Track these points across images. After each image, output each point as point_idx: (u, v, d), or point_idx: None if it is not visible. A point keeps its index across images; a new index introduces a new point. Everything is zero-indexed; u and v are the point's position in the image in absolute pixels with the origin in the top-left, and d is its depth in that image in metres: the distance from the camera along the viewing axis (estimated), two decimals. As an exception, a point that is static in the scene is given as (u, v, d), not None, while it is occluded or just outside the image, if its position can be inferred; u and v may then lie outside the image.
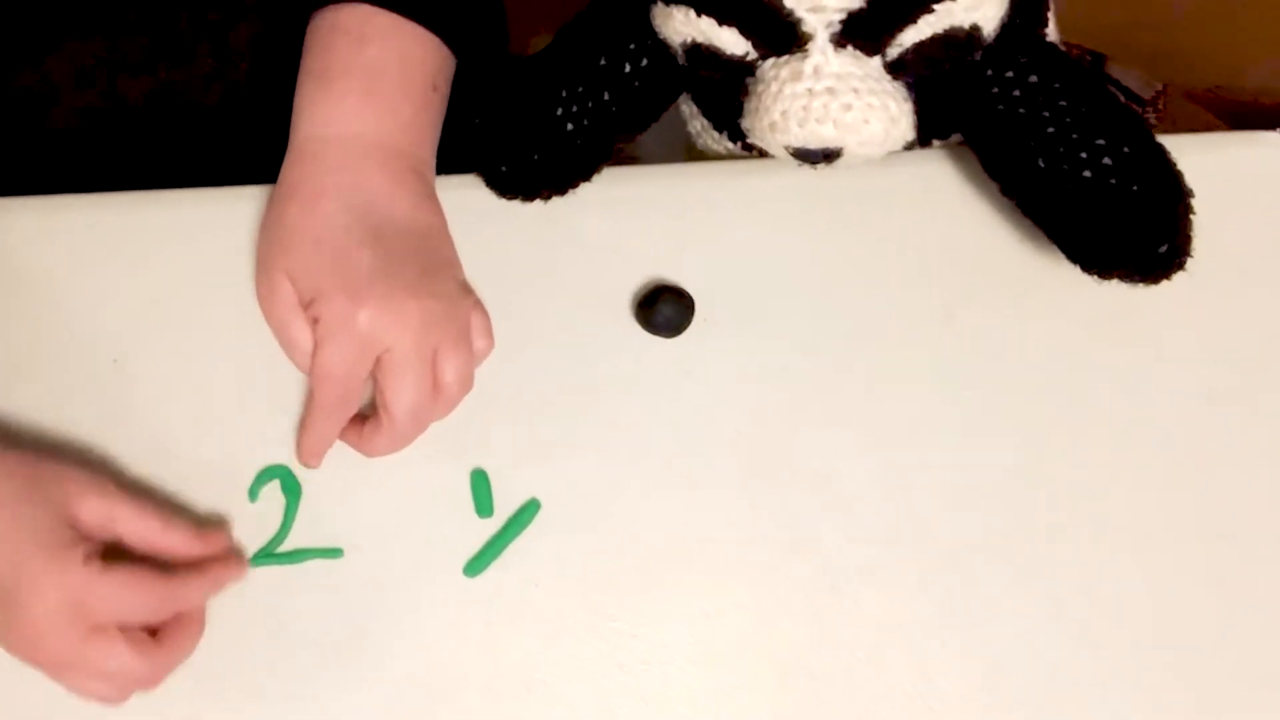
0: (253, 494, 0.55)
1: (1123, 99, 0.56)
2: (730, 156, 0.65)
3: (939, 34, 0.53)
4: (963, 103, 0.57)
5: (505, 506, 0.55)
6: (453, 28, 0.56)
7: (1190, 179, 0.54)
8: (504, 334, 0.55)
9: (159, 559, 0.51)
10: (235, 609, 0.53)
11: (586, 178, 0.60)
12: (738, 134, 0.61)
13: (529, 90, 0.58)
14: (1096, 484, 0.55)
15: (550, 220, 0.60)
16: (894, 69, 0.54)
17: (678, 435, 0.56)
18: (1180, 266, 0.53)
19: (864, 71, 0.53)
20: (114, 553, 0.50)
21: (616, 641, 0.53)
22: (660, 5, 0.56)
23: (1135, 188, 0.53)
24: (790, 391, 0.57)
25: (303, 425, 0.54)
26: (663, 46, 0.58)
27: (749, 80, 0.56)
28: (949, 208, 0.60)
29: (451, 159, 0.58)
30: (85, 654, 0.48)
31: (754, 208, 0.60)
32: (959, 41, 0.54)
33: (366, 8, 0.54)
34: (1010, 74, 0.56)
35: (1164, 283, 0.54)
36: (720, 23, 0.54)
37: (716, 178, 0.62)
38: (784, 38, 0.53)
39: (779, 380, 0.57)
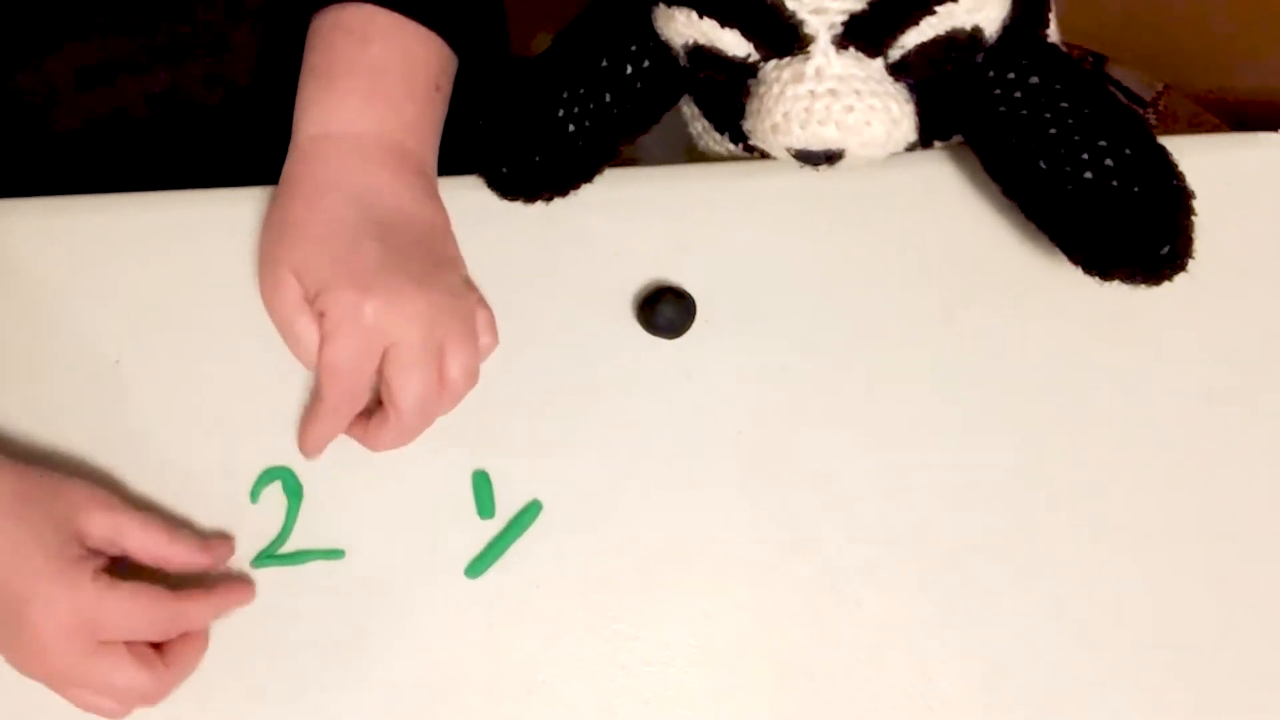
0: (254, 495, 0.55)
1: (1124, 100, 0.57)
2: (731, 158, 0.65)
3: (941, 36, 0.53)
4: (964, 104, 0.57)
5: (507, 507, 0.55)
6: (455, 27, 0.56)
7: (1191, 180, 0.54)
8: (505, 335, 0.55)
9: (165, 572, 0.51)
10: (237, 610, 0.53)
11: (588, 179, 0.60)
12: (739, 135, 0.61)
13: (530, 92, 0.58)
14: (1096, 484, 0.56)
15: (552, 221, 0.60)
16: (896, 71, 0.54)
17: (678, 436, 0.56)
18: (1182, 268, 0.53)
19: (866, 73, 0.53)
20: (118, 564, 0.50)
21: (618, 642, 0.53)
22: (662, 7, 0.56)
23: (1137, 189, 0.53)
24: (791, 392, 0.57)
25: (307, 418, 0.53)
26: (664, 48, 0.58)
27: (751, 82, 0.56)
28: (950, 209, 0.60)
29: (453, 160, 0.58)
30: (91, 669, 0.48)
31: (755, 209, 0.60)
32: (961, 43, 0.54)
33: (369, 7, 0.54)
34: (1012, 75, 0.56)
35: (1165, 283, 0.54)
36: (722, 24, 0.54)
37: (718, 179, 0.62)
38: (786, 39, 0.53)
39: (779, 381, 0.57)
